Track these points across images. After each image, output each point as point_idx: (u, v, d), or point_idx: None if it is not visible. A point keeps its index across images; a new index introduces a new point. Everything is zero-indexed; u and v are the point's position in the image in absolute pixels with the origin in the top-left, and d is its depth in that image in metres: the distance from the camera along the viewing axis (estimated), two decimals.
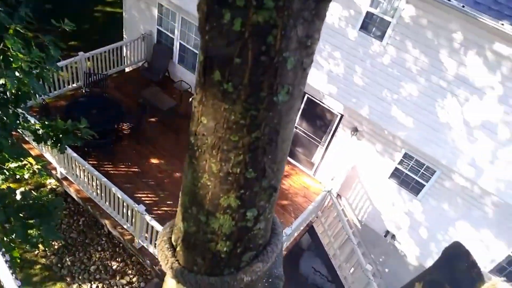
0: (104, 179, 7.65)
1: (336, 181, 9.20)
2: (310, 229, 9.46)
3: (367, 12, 6.91)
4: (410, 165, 8.49)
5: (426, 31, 6.50)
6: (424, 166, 8.30)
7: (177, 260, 1.11)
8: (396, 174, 8.77)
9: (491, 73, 6.26)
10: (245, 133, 0.81)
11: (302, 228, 9.11)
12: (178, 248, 1.11)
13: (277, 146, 0.87)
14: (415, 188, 8.68)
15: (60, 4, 14.67)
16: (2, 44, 4.00)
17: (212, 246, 1.01)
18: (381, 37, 6.98)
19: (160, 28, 10.99)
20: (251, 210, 0.95)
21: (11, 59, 4.00)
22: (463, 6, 5.74)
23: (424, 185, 8.50)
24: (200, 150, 0.89)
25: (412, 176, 8.56)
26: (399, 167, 8.64)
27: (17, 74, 3.97)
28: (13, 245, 5.41)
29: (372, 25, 7.00)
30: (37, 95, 7.24)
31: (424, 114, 7.16)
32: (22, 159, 5.33)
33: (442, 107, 6.93)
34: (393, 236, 9.66)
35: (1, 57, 4.11)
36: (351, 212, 10.06)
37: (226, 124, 0.80)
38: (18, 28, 4.02)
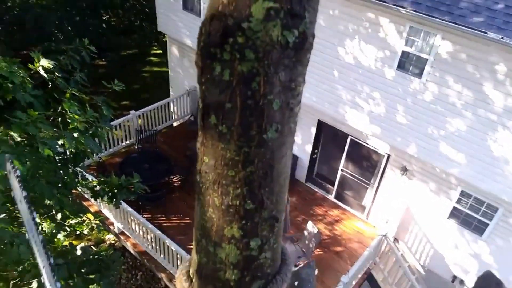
0: (158, 232, 7.86)
1: (391, 224, 8.81)
2: (368, 277, 9.00)
3: (403, 51, 6.88)
4: (469, 204, 7.97)
5: (466, 65, 6.33)
6: (485, 204, 7.75)
7: None
8: (455, 213, 8.25)
9: None
10: (240, 168, 0.90)
11: (360, 275, 8.70)
12: (194, 280, 1.19)
13: (273, 179, 0.94)
14: (478, 228, 8.08)
15: (111, 68, 16.02)
16: (60, 108, 4.40)
17: (222, 275, 1.08)
18: (419, 75, 6.88)
19: None
20: (254, 239, 1.02)
21: (69, 121, 4.37)
22: (502, 38, 5.57)
23: (488, 224, 7.90)
24: (204, 186, 0.99)
25: (473, 215, 8.01)
26: (458, 206, 8.14)
27: (74, 134, 4.30)
28: None
29: (409, 63, 6.95)
30: (93, 154, 7.76)
31: (475, 149, 6.81)
32: (81, 215, 5.67)
33: (494, 140, 6.56)
34: (462, 282, 8.93)
35: (60, 119, 4.51)
36: (412, 257, 9.49)
37: (223, 161, 0.90)
38: (74, 92, 4.42)
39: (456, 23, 5.87)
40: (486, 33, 5.66)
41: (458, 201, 8.08)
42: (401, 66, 7.02)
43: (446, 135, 7.04)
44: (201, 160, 0.97)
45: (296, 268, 1.88)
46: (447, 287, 9.08)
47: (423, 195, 8.54)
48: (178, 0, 10.23)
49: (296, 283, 1.86)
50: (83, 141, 4.43)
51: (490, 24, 5.74)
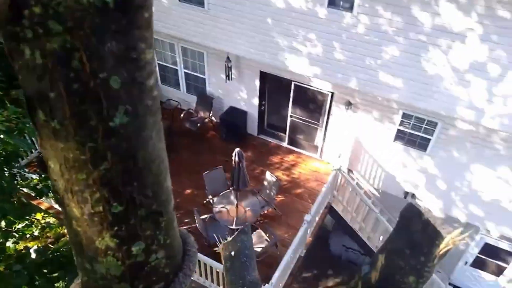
0: None
1: (344, 157, 9.22)
2: (330, 210, 9.50)
3: None
4: (411, 124, 8.49)
5: None
6: (425, 121, 8.30)
7: None
8: (400, 136, 8.77)
9: (466, 15, 6.22)
10: (91, 168, 0.73)
11: (321, 211, 9.14)
12: None
13: (141, 170, 0.79)
14: (422, 145, 8.69)
15: None
16: None
17: None
18: (350, 8, 6.94)
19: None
20: (136, 244, 0.87)
21: None
22: None
23: (430, 139, 8.50)
24: (59, 196, 0.81)
25: (416, 133, 8.57)
26: (401, 128, 8.64)
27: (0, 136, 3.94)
28: None
29: None
30: (26, 151, 7.19)
31: (411, 71, 7.14)
32: (27, 217, 5.34)
33: (427, 60, 6.90)
34: (413, 195, 9.69)
35: None
36: (366, 183, 10.08)
37: (68, 164, 0.74)
38: None
39: None
40: None
41: (401, 123, 8.57)
42: (332, 3, 7.02)
43: (382, 63, 7.29)
44: (48, 166, 0.78)
45: (230, 238, 1.81)
46: (401, 202, 9.83)
47: (369, 125, 8.95)
48: None
49: (232, 253, 1.78)
50: (11, 141, 4.07)
51: None
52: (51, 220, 8.64)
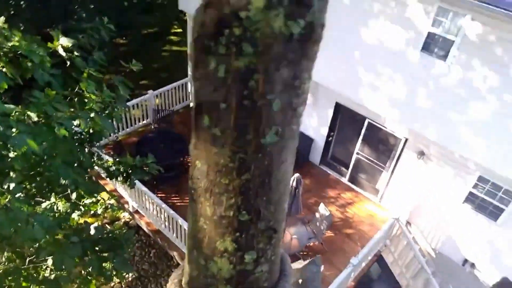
0: (172, 211, 7.92)
1: (404, 207, 8.75)
2: (379, 259, 9.03)
3: (429, 33, 6.65)
4: (486, 189, 7.87)
5: (495, 47, 6.10)
6: (502, 189, 7.65)
7: None
8: (470, 198, 8.16)
9: None
10: (235, 176, 0.80)
11: (369, 258, 8.73)
12: None
13: (271, 187, 0.85)
14: (493, 213, 8.00)
15: (132, 46, 15.84)
16: (77, 87, 4.32)
17: None
18: (444, 57, 6.66)
19: None
20: (250, 253, 0.93)
21: (86, 101, 4.30)
22: None
23: (504, 209, 7.81)
24: (196, 193, 0.88)
25: (490, 200, 7.92)
26: (474, 191, 8.04)
27: (91, 115, 4.24)
28: (90, 278, 5.69)
29: (434, 45, 6.72)
30: (109, 133, 7.70)
31: (498, 134, 6.65)
32: (96, 195, 5.67)
33: None
34: (473, 265, 8.93)
35: (76, 99, 4.45)
36: (423, 240, 9.47)
37: (216, 168, 0.80)
38: (91, 72, 4.34)
39: (487, 3, 5.62)
40: None
41: (475, 186, 7.99)
42: (426, 48, 6.80)
43: (467, 120, 6.88)
44: (194, 165, 0.85)
45: (301, 266, 1.78)
46: (457, 270, 9.08)
47: (439, 180, 8.45)
48: None
49: (300, 281, 1.77)
50: (99, 122, 4.38)
51: None
52: (113, 202, 9.15)
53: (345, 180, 10.19)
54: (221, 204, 0.85)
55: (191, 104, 12.10)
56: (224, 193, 0.83)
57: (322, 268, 7.58)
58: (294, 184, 7.92)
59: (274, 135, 0.75)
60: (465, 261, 9.00)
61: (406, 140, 8.54)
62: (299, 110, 0.77)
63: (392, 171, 9.19)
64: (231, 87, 0.70)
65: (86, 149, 4.96)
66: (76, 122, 4.23)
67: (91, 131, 4.72)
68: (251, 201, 0.84)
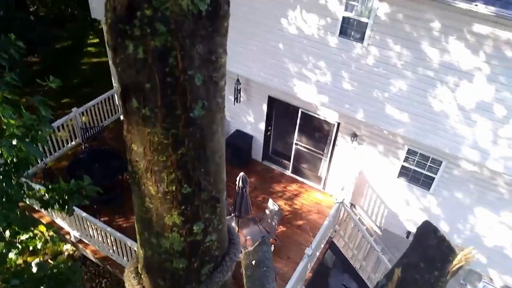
0: (119, 234, 7.56)
1: (347, 190, 9.13)
2: (331, 245, 9.30)
3: (343, 17, 7.06)
4: (416, 161, 8.45)
5: (404, 25, 6.62)
6: (430, 159, 8.25)
7: (143, 286, 1.14)
8: (404, 172, 8.71)
9: (475, 54, 6.32)
10: (171, 151, 0.84)
11: (322, 245, 8.96)
12: (142, 276, 1.14)
13: (207, 158, 0.90)
14: (425, 183, 8.59)
15: (46, 63, 14.99)
16: None
17: (169, 265, 1.04)
18: (361, 39, 7.10)
19: None
20: (197, 224, 0.97)
21: (4, 127, 4.02)
22: None
23: (434, 178, 8.42)
24: (137, 176, 0.92)
25: (420, 171, 8.50)
26: (406, 164, 8.59)
27: (13, 142, 3.96)
28: None
29: (350, 29, 7.14)
30: (37, 160, 7.21)
31: (417, 106, 7.19)
32: (32, 229, 5.30)
33: (434, 96, 6.96)
34: None
35: None
36: (368, 220, 9.92)
37: (152, 147, 0.84)
38: (5, 95, 4.06)
39: None
40: None
41: (406, 159, 8.53)
42: (343, 32, 7.20)
43: (390, 96, 7.36)
44: (130, 149, 0.90)
45: (252, 247, 1.87)
46: (403, 242, 9.60)
47: (374, 159, 8.92)
48: None
49: (253, 262, 1.85)
50: (23, 148, 4.11)
51: None
52: (53, 234, 8.57)
53: (288, 172, 10.43)
54: (162, 180, 0.89)
55: (122, 117, 11.80)
56: (163, 170, 0.87)
57: (272, 247, 7.67)
58: (241, 183, 7.93)
59: (201, 108, 0.81)
60: (409, 233, 9.53)
61: (339, 124, 8.95)
62: (220, 84, 0.84)
63: (331, 157, 9.56)
64: (153, 66, 0.74)
65: (13, 181, 4.62)
66: None
67: (15, 160, 4.41)
68: (190, 174, 0.89)
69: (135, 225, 1.06)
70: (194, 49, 0.74)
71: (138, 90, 0.78)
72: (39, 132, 4.26)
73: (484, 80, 6.44)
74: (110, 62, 11.86)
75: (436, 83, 6.85)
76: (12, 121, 3.99)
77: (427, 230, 1.58)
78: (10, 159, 4.21)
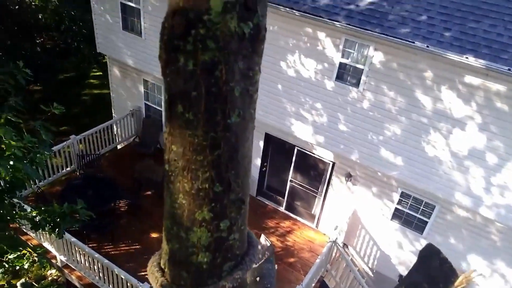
0: (106, 261, 7.47)
1: (340, 230, 9.09)
2: (322, 285, 9.16)
3: (340, 63, 7.28)
4: (409, 204, 8.48)
5: (398, 73, 6.82)
6: (423, 203, 8.29)
7: (166, 279, 1.22)
8: (397, 214, 8.72)
9: (466, 104, 6.49)
10: (208, 152, 0.95)
11: (313, 284, 8.83)
12: (166, 270, 1.22)
13: (239, 162, 1.00)
14: (418, 226, 8.59)
15: (48, 92, 15.27)
16: None
17: (194, 258, 1.12)
18: (357, 84, 7.30)
19: (147, 103, 11.39)
20: (224, 221, 1.07)
21: (4, 147, 4.11)
22: (428, 46, 6.09)
23: (427, 222, 8.42)
24: (173, 174, 1.02)
25: (414, 214, 8.52)
26: (399, 207, 8.62)
27: (11, 162, 4.05)
28: None
29: (346, 74, 7.35)
30: (31, 183, 7.23)
31: (411, 151, 7.30)
32: (21, 249, 5.29)
33: (427, 142, 7.08)
34: None
35: None
36: (360, 261, 9.83)
37: (191, 147, 0.95)
38: (9, 117, 4.18)
39: (385, 34, 6.33)
40: (413, 42, 6.16)
41: (399, 202, 8.56)
42: (340, 77, 7.41)
43: (384, 140, 7.48)
44: (169, 149, 1.00)
45: (256, 265, 1.94)
46: (394, 285, 9.47)
47: (368, 200, 8.95)
48: (118, 20, 10.05)
49: (257, 278, 1.92)
50: (21, 169, 4.18)
51: (416, 34, 6.26)
52: (40, 256, 8.48)
53: (282, 208, 10.42)
54: (197, 178, 0.99)
55: (119, 146, 11.85)
56: (200, 169, 0.98)
57: (276, 266, 7.54)
58: None
59: (237, 116, 0.92)
60: (400, 276, 9.43)
61: (334, 163, 9.03)
62: (254, 97, 0.96)
63: (325, 196, 9.58)
64: (200, 77, 0.86)
65: (6, 201, 4.66)
66: None
67: (11, 180, 4.47)
68: (222, 174, 0.99)
69: (163, 222, 1.14)
70: (236, 64, 0.86)
71: (185, 97, 0.89)
72: (38, 155, 4.35)
73: (476, 128, 6.58)
74: (111, 94, 12.09)
75: (430, 129, 6.99)
76: (13, 142, 4.06)
77: (431, 252, 1.63)
78: (7, 178, 4.26)
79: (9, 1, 15.28)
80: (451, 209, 7.95)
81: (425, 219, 8.42)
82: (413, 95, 6.87)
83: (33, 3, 15.56)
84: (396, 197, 8.55)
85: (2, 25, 15.04)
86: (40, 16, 15.45)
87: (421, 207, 8.37)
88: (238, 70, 0.88)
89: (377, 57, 6.87)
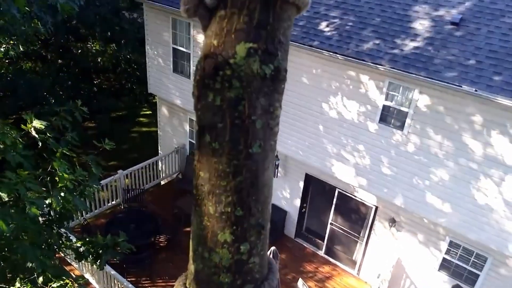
0: None
1: (383, 278, 8.65)
2: None
3: (384, 106, 7.21)
4: (458, 254, 7.96)
5: (445, 116, 6.65)
6: (474, 254, 7.76)
7: None
8: (445, 265, 8.20)
9: None
10: (231, 178, 1.04)
11: None
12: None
13: (258, 188, 1.08)
14: (469, 279, 8.00)
15: (100, 129, 16.16)
16: (50, 167, 4.39)
17: (216, 278, 1.18)
18: (401, 127, 7.16)
19: (192, 141, 11.73)
20: (244, 244, 1.12)
21: (57, 180, 4.35)
22: (476, 90, 5.93)
23: (479, 275, 7.84)
24: (200, 198, 1.11)
25: (463, 265, 7.97)
26: (447, 257, 8.11)
27: (61, 194, 4.27)
28: None
29: (390, 116, 7.26)
30: (79, 214, 7.51)
31: (460, 197, 6.95)
32: (64, 278, 5.45)
33: (477, 189, 6.73)
34: None
35: (48, 178, 4.49)
36: None
37: (216, 173, 1.05)
38: (64, 151, 4.45)
39: (431, 78, 6.25)
40: (461, 86, 6.02)
41: (448, 251, 8.07)
42: (383, 120, 7.31)
43: (430, 185, 7.20)
44: (197, 175, 1.09)
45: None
46: None
47: (413, 247, 8.51)
48: (169, 64, 10.64)
49: None
50: (70, 200, 4.39)
51: (463, 78, 6.13)
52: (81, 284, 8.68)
53: (321, 252, 10.10)
54: (221, 202, 1.08)
55: (162, 182, 12.16)
56: (223, 193, 1.07)
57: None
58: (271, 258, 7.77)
59: (258, 147, 1.02)
60: None
61: (377, 208, 8.74)
62: (275, 130, 1.07)
63: (367, 241, 9.22)
64: (226, 111, 0.98)
65: (54, 231, 4.88)
66: (47, 201, 4.24)
67: (61, 211, 4.70)
68: (244, 199, 1.07)
69: (190, 242, 1.21)
70: (258, 101, 0.96)
71: (212, 128, 1.00)
72: (87, 188, 4.57)
73: None
74: (158, 132, 12.56)
75: (480, 175, 6.67)
76: (66, 175, 4.29)
77: None
78: (57, 209, 4.47)
79: (73, 46, 16.67)
80: (505, 262, 7.38)
81: (476, 271, 7.85)
82: (461, 140, 6.63)
83: (93, 48, 16.84)
84: (444, 246, 8.07)
85: (66, 67, 16.35)
86: (99, 59, 16.67)
87: (472, 258, 7.83)
88: (260, 106, 0.98)
89: (422, 100, 6.76)
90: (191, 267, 1.27)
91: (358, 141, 7.77)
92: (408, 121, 7.02)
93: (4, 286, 4.93)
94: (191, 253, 1.25)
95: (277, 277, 1.33)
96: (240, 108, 0.97)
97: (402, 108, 7.03)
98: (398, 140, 7.27)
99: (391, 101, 7.12)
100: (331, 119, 7.97)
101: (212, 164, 1.05)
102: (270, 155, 1.08)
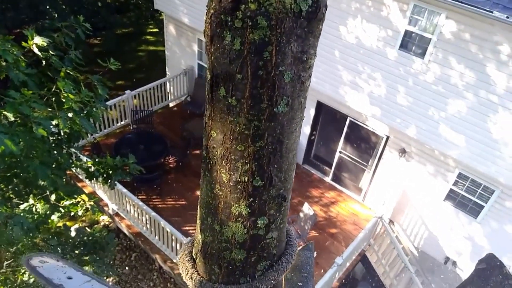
0: (153, 213, 7.83)
1: (387, 206, 8.83)
2: (363, 258, 9.08)
3: (406, 31, 6.74)
4: (466, 186, 7.99)
5: (470, 45, 6.22)
6: (482, 186, 7.78)
7: (196, 271, 1.15)
8: (451, 196, 8.28)
9: None
10: (250, 143, 0.86)
11: (354, 257, 8.77)
12: (197, 260, 1.15)
13: (282, 155, 0.91)
14: (473, 210, 8.12)
15: (106, 47, 15.71)
16: (54, 87, 4.26)
17: (227, 254, 1.05)
18: (422, 55, 6.76)
19: (200, 62, 11.38)
20: (262, 218, 0.98)
21: (63, 100, 4.25)
22: (508, 17, 5.45)
23: (483, 206, 7.93)
24: (211, 162, 0.94)
25: (469, 197, 8.04)
26: (454, 188, 8.16)
27: (69, 114, 4.19)
28: None
29: (411, 43, 6.82)
30: (88, 134, 7.59)
31: (475, 130, 6.77)
32: (76, 196, 5.61)
33: (494, 122, 6.52)
34: (454, 263, 9.03)
35: (54, 98, 4.39)
36: (406, 239, 9.56)
37: (232, 135, 0.86)
38: (68, 71, 4.28)
39: (461, 2, 5.73)
40: (492, 12, 5.53)
41: (455, 183, 8.10)
42: (404, 46, 6.89)
43: (446, 116, 6.98)
44: (209, 135, 0.91)
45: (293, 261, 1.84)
46: (440, 268, 9.19)
47: (420, 178, 8.55)
48: None
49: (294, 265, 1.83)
50: (77, 121, 4.32)
51: (495, 3, 5.61)
52: (93, 204, 9.04)
53: (328, 179, 10.24)
54: (236, 170, 0.90)
55: (171, 104, 12.07)
56: (239, 160, 0.89)
57: (315, 254, 7.58)
58: None
59: (285, 105, 0.82)
60: (447, 259, 9.10)
61: (388, 138, 8.63)
62: (306, 84, 0.84)
63: (375, 170, 9.27)
64: (247, 58, 0.76)
65: (64, 150, 4.89)
66: (54, 122, 4.16)
67: (69, 131, 4.66)
68: (264, 168, 0.90)
69: (198, 209, 1.07)
70: (288, 46, 0.76)
71: (228, 79, 0.80)
72: (94, 109, 4.47)
73: None
74: (165, 52, 12.15)
75: (499, 108, 6.41)
76: (72, 96, 4.19)
77: (491, 264, 1.42)
78: (64, 130, 4.44)
79: None
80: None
81: (481, 203, 7.93)
82: (484, 70, 6.27)
83: None
84: (452, 177, 8.08)
85: None
86: None
87: (479, 190, 7.87)
88: (290, 53, 0.77)
89: (448, 26, 6.27)
90: (199, 236, 1.11)
91: (375, 68, 7.42)
92: (430, 48, 6.59)
93: (18, 201, 5.08)
94: (198, 221, 1.08)
95: (296, 250, 1.17)
96: (266, 55, 0.75)
97: (425, 34, 6.57)
98: (418, 69, 6.91)
99: (414, 26, 6.63)
100: (348, 44, 7.53)
101: (228, 124, 0.85)
102: (298, 115, 0.88)
